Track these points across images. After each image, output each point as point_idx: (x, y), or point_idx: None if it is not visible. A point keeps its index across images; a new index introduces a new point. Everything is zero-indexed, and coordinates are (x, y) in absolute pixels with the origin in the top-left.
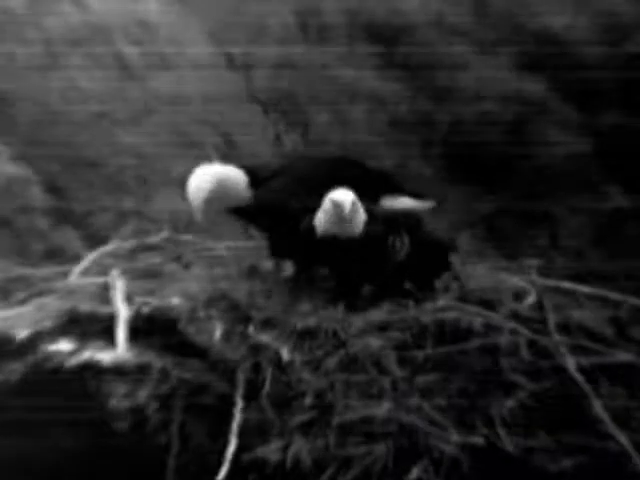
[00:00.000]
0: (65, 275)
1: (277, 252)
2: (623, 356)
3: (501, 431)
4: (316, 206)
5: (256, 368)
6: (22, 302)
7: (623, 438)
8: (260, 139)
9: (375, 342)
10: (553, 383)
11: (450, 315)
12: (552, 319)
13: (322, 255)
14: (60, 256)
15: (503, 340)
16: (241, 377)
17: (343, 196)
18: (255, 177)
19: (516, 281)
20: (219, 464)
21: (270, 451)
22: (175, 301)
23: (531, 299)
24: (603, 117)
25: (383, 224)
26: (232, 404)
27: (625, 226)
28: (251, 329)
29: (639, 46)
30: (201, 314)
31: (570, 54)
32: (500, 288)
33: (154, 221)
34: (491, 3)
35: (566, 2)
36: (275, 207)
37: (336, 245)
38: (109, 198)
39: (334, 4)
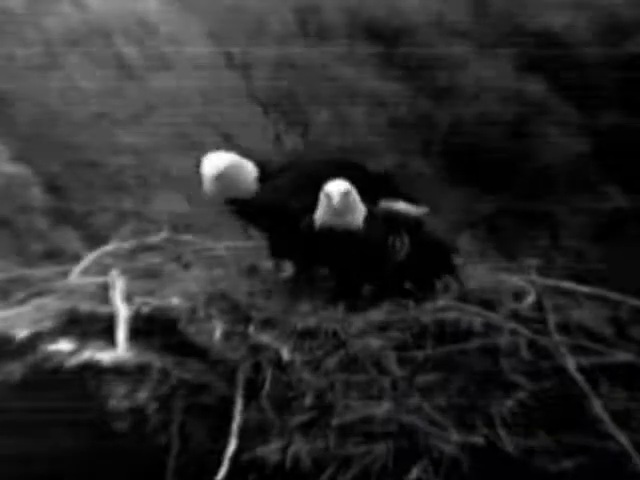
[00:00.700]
0: (65, 275)
1: (277, 252)
2: (623, 356)
3: (501, 431)
4: (316, 205)
5: (256, 368)
6: (22, 302)
7: (623, 438)
8: (260, 139)
9: (375, 342)
10: (553, 383)
11: (450, 315)
12: (552, 319)
13: (322, 254)
14: (60, 256)
15: (503, 340)
16: (241, 377)
17: (333, 186)
18: (263, 172)
19: (516, 281)
20: (219, 464)
21: (270, 451)
22: (175, 301)
23: (531, 299)
24: (603, 117)
25: (383, 224)
26: (232, 404)
27: (625, 226)
28: (251, 329)
29: (639, 46)
30: (201, 314)
31: (570, 54)
32: (500, 288)
33: (154, 221)
34: (491, 3)
35: (566, 2)
36: (275, 207)
37: (335, 243)
38: (109, 198)
39: (334, 4)
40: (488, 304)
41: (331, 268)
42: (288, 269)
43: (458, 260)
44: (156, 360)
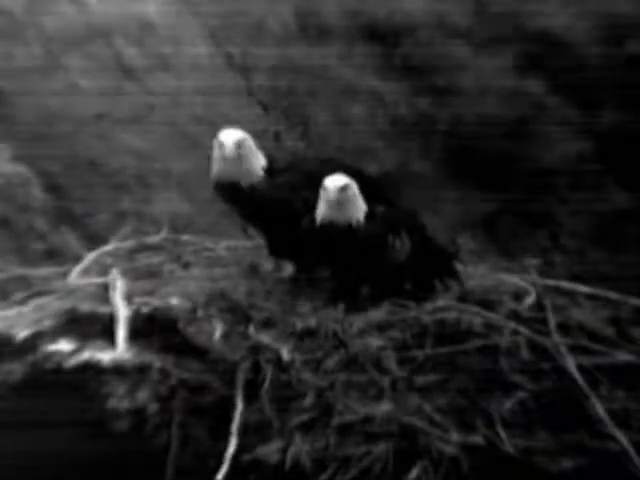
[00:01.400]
0: (65, 275)
1: (277, 252)
2: (623, 356)
3: (501, 431)
4: (317, 205)
5: (256, 368)
6: (22, 302)
7: (623, 438)
8: (260, 139)
9: (375, 342)
10: (553, 383)
11: (450, 315)
12: (552, 319)
13: (322, 252)
14: (60, 256)
15: (503, 340)
16: (241, 377)
17: (332, 180)
18: (270, 166)
19: (516, 281)
20: (219, 464)
21: (270, 451)
22: (175, 301)
23: (531, 299)
24: (603, 117)
25: (383, 224)
26: (232, 404)
27: (625, 226)
28: (251, 329)
29: (639, 46)
30: (201, 314)
31: (570, 54)
32: (500, 288)
33: (154, 221)
34: (491, 3)
35: (566, 2)
36: (276, 204)
37: (335, 239)
38: (109, 198)
39: (334, 4)
40: (488, 304)
41: (331, 267)
42: (288, 269)
43: (459, 265)
44: (156, 360)
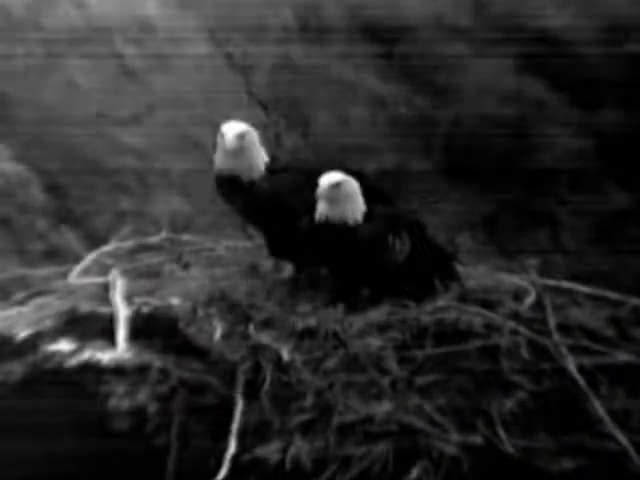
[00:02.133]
0: (65, 275)
1: (277, 252)
2: (623, 356)
3: (501, 431)
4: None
5: (256, 368)
6: (22, 302)
7: (623, 438)
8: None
9: (375, 342)
10: (553, 383)
11: (450, 315)
12: (552, 319)
13: (321, 251)
14: (60, 256)
15: (503, 340)
16: (241, 377)
17: (325, 177)
18: (271, 163)
19: (516, 281)
20: (219, 464)
21: (270, 451)
22: (175, 301)
23: (531, 299)
24: (603, 117)
25: (383, 224)
26: (232, 404)
27: (625, 226)
28: (251, 329)
29: (639, 46)
30: (201, 314)
31: (570, 54)
32: (500, 288)
33: (154, 221)
34: (491, 3)
35: (566, 2)
36: (276, 202)
37: (333, 238)
38: (109, 198)
39: (334, 4)
40: (488, 304)
41: (331, 267)
42: (288, 269)
43: (459, 267)
44: (156, 360)
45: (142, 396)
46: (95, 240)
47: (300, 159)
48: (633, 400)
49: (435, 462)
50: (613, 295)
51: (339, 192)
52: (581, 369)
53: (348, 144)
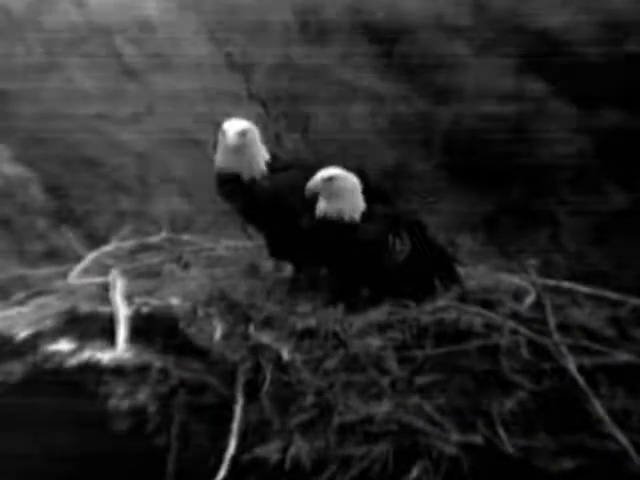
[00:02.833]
0: (65, 275)
1: (277, 252)
2: (623, 356)
3: (501, 431)
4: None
5: (256, 368)
6: (22, 302)
7: (623, 438)
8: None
9: (375, 342)
10: (553, 383)
11: (450, 315)
12: (552, 319)
13: (322, 253)
14: (60, 256)
15: (503, 340)
16: (241, 377)
17: (321, 171)
18: (272, 161)
19: (516, 281)
20: (219, 464)
21: (270, 451)
22: (175, 301)
23: (531, 299)
24: (603, 117)
25: (383, 224)
26: (232, 404)
27: (625, 226)
28: (251, 329)
29: (639, 46)
30: (201, 314)
31: (570, 54)
32: (500, 288)
33: (154, 221)
34: (491, 3)
35: (566, 2)
36: (276, 201)
37: (333, 237)
38: (109, 198)
39: (334, 4)
40: (488, 304)
41: (331, 267)
42: (288, 269)
43: (459, 269)
44: (156, 360)
45: (142, 396)
46: (95, 240)
47: (301, 158)
48: (633, 400)
49: (435, 462)
50: (613, 295)
51: (332, 186)
52: (581, 369)
53: (348, 144)
